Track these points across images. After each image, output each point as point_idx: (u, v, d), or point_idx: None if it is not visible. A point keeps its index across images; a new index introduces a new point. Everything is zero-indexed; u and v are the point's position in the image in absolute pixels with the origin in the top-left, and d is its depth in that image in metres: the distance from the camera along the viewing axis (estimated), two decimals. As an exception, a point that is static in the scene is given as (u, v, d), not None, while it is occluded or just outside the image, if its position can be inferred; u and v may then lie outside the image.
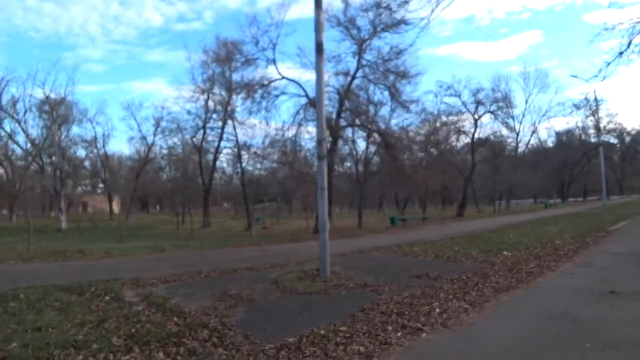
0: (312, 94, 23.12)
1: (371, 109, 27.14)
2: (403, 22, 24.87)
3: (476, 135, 45.72)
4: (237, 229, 31.75)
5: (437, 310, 6.33)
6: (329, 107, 26.76)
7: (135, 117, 47.99)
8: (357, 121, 27.07)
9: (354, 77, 25.95)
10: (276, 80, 26.17)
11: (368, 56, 26.05)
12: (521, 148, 58.79)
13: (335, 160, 26.97)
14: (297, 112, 25.59)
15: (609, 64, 13.57)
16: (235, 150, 33.81)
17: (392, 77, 25.98)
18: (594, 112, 48.43)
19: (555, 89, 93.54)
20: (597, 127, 48.89)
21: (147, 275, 9.78)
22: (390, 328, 5.54)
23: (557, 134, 70.73)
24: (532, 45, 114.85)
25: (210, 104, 35.97)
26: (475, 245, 14.10)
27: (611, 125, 66.09)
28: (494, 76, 79.79)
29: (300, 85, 26.14)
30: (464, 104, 43.81)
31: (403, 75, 25.80)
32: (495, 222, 25.73)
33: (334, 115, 25.93)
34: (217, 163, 39.90)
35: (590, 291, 7.27)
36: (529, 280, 8.44)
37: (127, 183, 58.33)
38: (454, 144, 48.85)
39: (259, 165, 33.52)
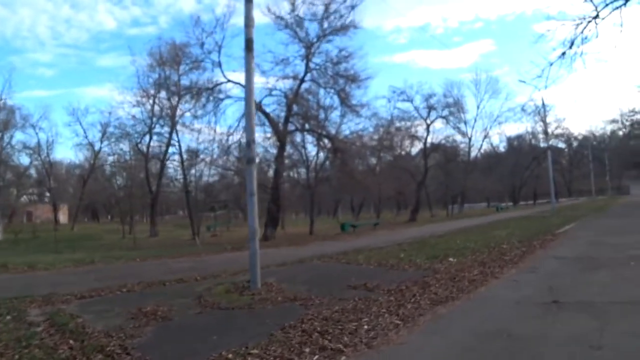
0: (256, 97, 22.39)
1: (321, 113, 26.60)
2: (352, 25, 24.74)
3: (429, 141, 46.13)
4: (185, 238, 30.59)
5: (365, 327, 5.69)
6: (277, 111, 26.11)
7: (81, 122, 46.25)
8: (307, 126, 26.44)
9: (302, 81, 25.33)
10: (222, 83, 25.31)
11: (317, 59, 25.55)
12: (474, 153, 59.61)
13: (284, 165, 26.19)
14: (242, 116, 24.68)
15: (552, 63, 13.77)
16: (184, 156, 32.72)
17: (341, 81, 25.55)
18: (542, 118, 49.59)
19: (506, 95, 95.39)
20: (545, 132, 49.94)
21: (65, 291, 8.86)
22: (307, 350, 4.88)
23: (509, 139, 72.43)
24: (484, 54, 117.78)
25: (157, 108, 34.82)
26: (422, 251, 13.61)
27: (559, 130, 68.74)
28: (446, 82, 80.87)
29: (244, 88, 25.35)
30: (416, 109, 44.23)
31: (353, 79, 25.40)
32: (447, 227, 25.54)
33: (282, 120, 25.24)
34: (171, 170, 38.73)
35: (533, 302, 6.81)
36: (470, 289, 7.92)
37: (75, 191, 56.22)
38: (408, 149, 49.13)
39: (207, 172, 32.42)
